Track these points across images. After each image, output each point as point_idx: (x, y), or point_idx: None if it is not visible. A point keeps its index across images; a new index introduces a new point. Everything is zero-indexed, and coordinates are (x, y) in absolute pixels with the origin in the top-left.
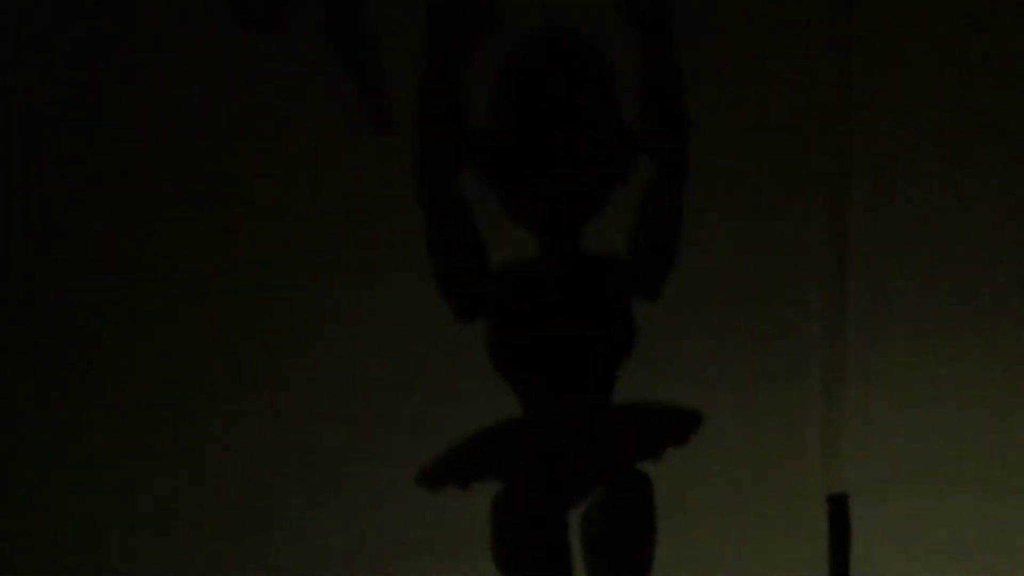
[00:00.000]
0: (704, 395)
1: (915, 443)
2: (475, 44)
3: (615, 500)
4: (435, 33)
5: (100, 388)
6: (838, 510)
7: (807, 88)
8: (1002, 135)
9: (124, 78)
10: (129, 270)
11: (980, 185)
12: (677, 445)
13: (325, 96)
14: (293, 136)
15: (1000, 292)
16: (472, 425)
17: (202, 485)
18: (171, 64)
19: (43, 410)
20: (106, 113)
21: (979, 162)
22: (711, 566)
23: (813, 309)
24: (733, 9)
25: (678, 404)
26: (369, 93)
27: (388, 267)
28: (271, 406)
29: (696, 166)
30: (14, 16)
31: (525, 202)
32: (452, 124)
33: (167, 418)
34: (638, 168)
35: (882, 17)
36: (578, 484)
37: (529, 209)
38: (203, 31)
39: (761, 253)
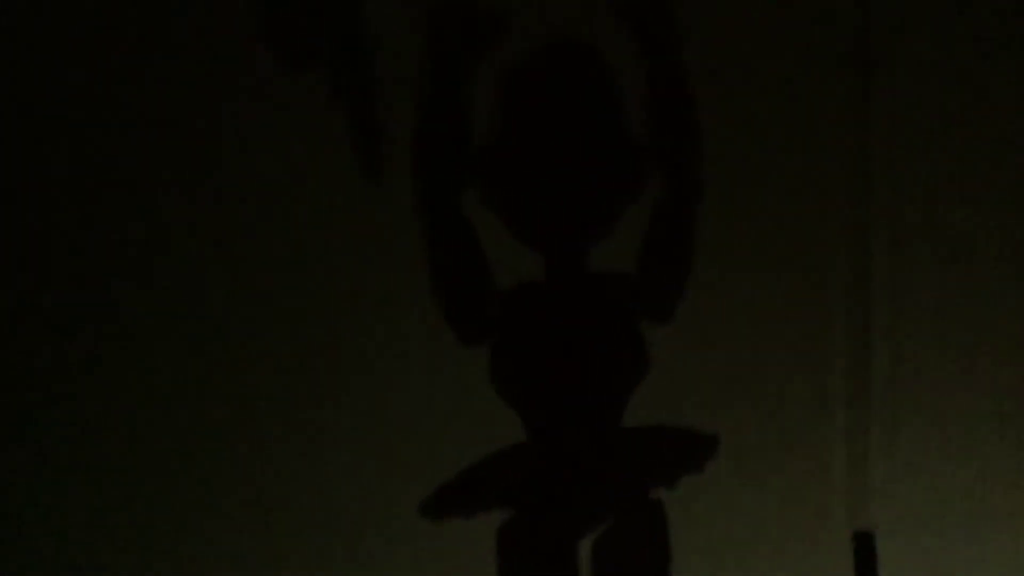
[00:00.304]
0: (729, 434)
1: (941, 480)
2: (478, 55)
3: (627, 528)
4: (437, 45)
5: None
6: (864, 547)
7: (829, 125)
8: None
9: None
10: (152, 294)
11: (1008, 221)
12: (692, 472)
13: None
14: (303, 166)
15: None
16: (477, 451)
17: (212, 496)
18: (202, 82)
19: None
20: (127, 123)
21: (1007, 196)
22: None
23: (837, 345)
24: (753, 31)
25: (692, 428)
26: (365, 140)
27: (395, 292)
28: (279, 427)
29: (719, 200)
30: (61, 46)
31: (530, 220)
32: (454, 138)
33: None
34: (649, 185)
35: (899, 34)
36: (588, 511)
37: (535, 228)
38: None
39: (784, 292)
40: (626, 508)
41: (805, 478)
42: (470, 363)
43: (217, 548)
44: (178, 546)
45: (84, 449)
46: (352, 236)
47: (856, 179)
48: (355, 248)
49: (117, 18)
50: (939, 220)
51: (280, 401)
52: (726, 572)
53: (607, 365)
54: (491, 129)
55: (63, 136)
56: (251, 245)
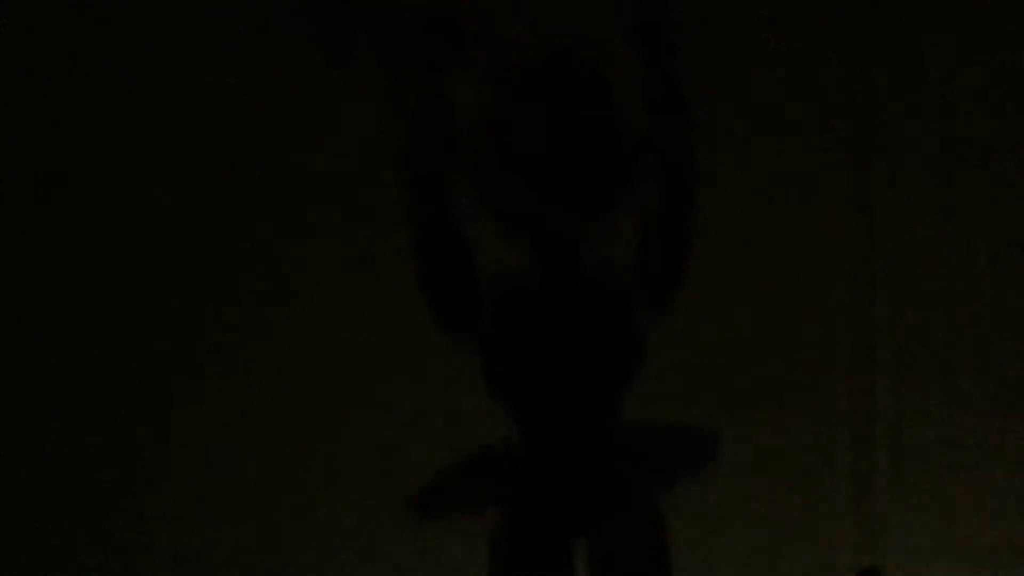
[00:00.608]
0: (733, 470)
1: (949, 516)
2: (462, 50)
3: (624, 532)
4: (422, 41)
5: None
6: None
7: (832, 122)
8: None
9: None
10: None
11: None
12: (691, 473)
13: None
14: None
15: None
16: (463, 446)
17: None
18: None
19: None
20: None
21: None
22: None
23: (841, 379)
24: (755, 31)
25: (693, 424)
26: (325, 26)
27: (386, 292)
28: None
29: (717, 234)
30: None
31: (518, 210)
32: (440, 128)
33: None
34: (643, 172)
35: (899, 37)
36: (582, 513)
37: (522, 218)
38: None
39: (788, 327)
40: (622, 509)
41: (810, 516)
42: (460, 362)
43: (210, 541)
44: (175, 544)
45: (82, 449)
46: (344, 238)
47: (858, 207)
48: (347, 249)
49: (116, 20)
50: (942, 258)
51: (271, 398)
52: None
53: (601, 358)
54: (480, 122)
55: (56, 138)
56: (244, 247)
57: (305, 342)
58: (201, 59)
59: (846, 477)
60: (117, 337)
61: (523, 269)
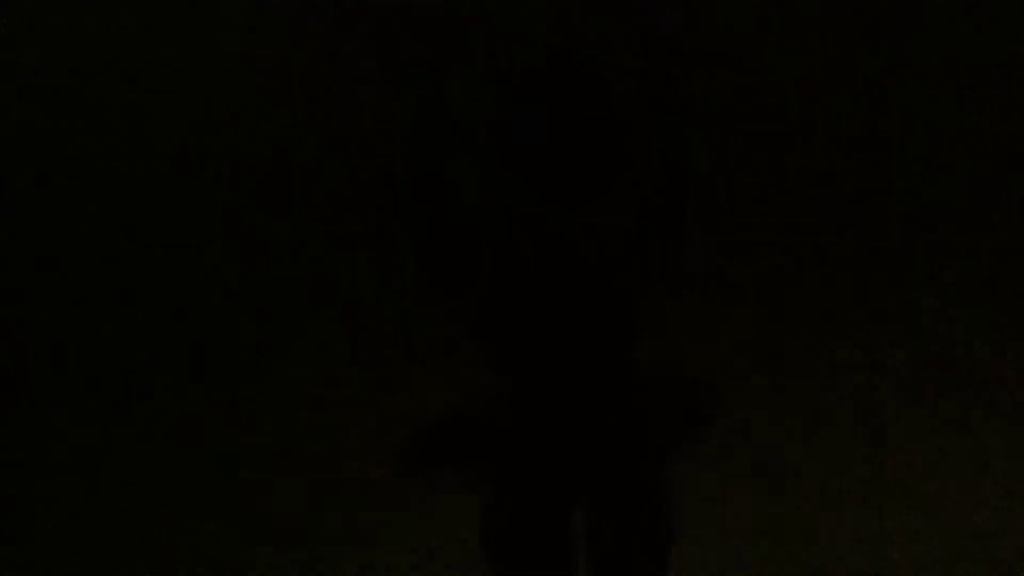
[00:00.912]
0: (738, 478)
1: (952, 522)
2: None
3: (625, 511)
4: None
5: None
6: None
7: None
8: None
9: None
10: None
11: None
12: (693, 437)
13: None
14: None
15: None
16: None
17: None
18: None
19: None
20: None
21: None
22: None
23: (846, 380)
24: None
25: (693, 384)
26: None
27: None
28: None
29: (717, 235)
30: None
31: (517, 203)
32: (441, 126)
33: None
34: (640, 168)
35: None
36: (579, 483)
37: (522, 210)
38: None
39: (790, 327)
40: (621, 483)
41: (813, 524)
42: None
43: (211, 540)
44: (174, 543)
45: (79, 447)
46: (344, 236)
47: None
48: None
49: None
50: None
51: (270, 396)
52: None
53: (594, 326)
54: (481, 120)
55: (53, 137)
56: (242, 244)
57: (305, 338)
58: (201, 58)
59: (850, 481)
60: (116, 336)
61: (522, 242)
